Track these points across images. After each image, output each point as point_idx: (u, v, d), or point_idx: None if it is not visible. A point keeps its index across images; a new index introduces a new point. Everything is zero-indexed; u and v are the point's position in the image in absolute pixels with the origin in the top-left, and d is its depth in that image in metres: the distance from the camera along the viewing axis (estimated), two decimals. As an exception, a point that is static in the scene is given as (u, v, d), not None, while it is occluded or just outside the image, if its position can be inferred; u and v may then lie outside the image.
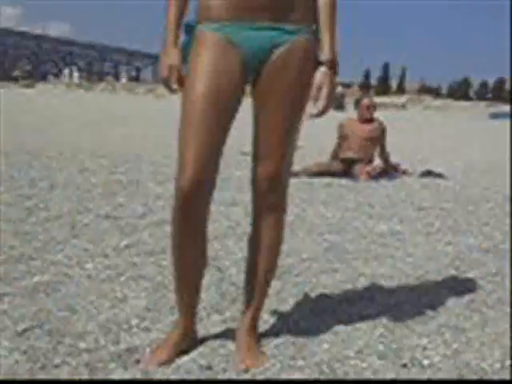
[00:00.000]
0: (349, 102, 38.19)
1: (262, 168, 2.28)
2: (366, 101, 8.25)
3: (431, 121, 34.87)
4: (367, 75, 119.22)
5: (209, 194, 2.20)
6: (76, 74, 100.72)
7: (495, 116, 46.32)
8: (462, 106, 62.53)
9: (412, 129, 23.73)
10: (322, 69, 2.23)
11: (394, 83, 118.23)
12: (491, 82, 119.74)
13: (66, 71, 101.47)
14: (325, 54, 2.25)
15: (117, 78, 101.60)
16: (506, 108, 56.96)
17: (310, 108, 2.25)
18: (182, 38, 2.31)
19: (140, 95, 55.93)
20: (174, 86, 2.26)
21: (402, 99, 64.19)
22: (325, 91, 2.22)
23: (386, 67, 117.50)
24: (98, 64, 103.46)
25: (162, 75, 2.27)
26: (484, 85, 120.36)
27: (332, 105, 2.25)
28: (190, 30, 2.28)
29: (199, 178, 2.11)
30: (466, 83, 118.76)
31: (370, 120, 8.22)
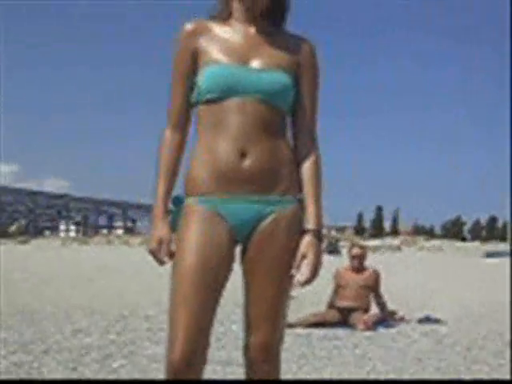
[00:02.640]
0: (344, 246, 38.42)
1: (253, 338, 2.28)
2: (355, 251, 8.32)
3: (426, 262, 34.91)
4: (360, 218, 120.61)
5: (200, 367, 2.18)
6: (72, 228, 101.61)
7: (490, 255, 46.43)
8: (457, 245, 62.90)
9: (408, 272, 23.72)
10: (307, 238, 2.28)
11: (387, 224, 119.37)
12: (483, 220, 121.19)
13: (62, 226, 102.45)
14: (309, 223, 2.30)
15: (112, 230, 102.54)
16: (500, 246, 57.28)
17: (297, 277, 2.28)
18: (171, 209, 2.38)
19: (135, 247, 56.11)
20: (164, 259, 2.31)
21: (396, 241, 64.71)
22: (309, 260, 2.26)
23: (378, 210, 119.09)
24: (94, 217, 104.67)
25: (151, 248, 2.31)
26: (477, 224, 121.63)
27: (318, 274, 2.28)
28: (178, 202, 2.35)
29: (190, 355, 2.11)
30: (458, 222, 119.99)
31: (363, 268, 8.27)
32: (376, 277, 8.18)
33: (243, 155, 2.24)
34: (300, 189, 2.35)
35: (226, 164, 2.24)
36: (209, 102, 2.30)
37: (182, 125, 2.42)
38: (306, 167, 2.35)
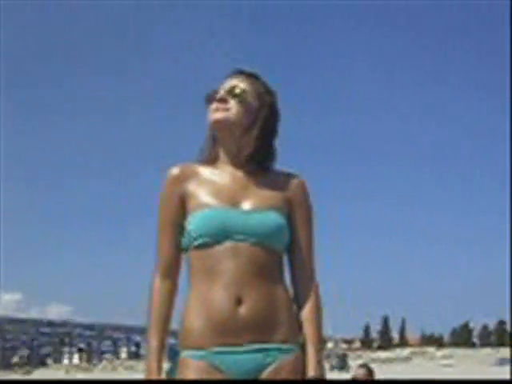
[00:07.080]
0: (352, 360, 37.48)
1: None
2: (361, 372, 8.06)
3: (437, 373, 34.07)
4: (367, 330, 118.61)
5: None
6: (76, 356, 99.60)
7: (503, 362, 45.05)
8: (466, 353, 61.54)
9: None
10: None
11: (395, 334, 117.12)
12: (492, 325, 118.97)
13: (66, 354, 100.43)
14: (310, 371, 2.20)
15: (117, 355, 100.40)
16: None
17: None
18: (166, 363, 2.28)
19: (140, 372, 54.95)
20: None
21: (405, 352, 63.39)
22: None
23: (385, 320, 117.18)
24: (98, 343, 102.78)
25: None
26: (485, 329, 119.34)
27: None
28: (173, 355, 2.26)
29: None
30: (466, 329, 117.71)
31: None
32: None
33: (239, 302, 2.14)
34: (301, 332, 2.24)
35: (222, 313, 2.14)
36: (200, 247, 2.20)
37: (171, 272, 2.32)
38: (307, 310, 2.26)
